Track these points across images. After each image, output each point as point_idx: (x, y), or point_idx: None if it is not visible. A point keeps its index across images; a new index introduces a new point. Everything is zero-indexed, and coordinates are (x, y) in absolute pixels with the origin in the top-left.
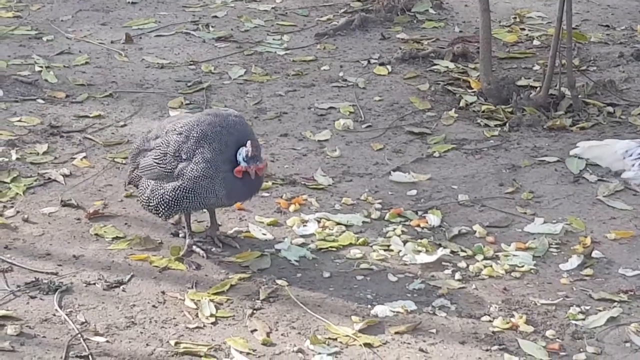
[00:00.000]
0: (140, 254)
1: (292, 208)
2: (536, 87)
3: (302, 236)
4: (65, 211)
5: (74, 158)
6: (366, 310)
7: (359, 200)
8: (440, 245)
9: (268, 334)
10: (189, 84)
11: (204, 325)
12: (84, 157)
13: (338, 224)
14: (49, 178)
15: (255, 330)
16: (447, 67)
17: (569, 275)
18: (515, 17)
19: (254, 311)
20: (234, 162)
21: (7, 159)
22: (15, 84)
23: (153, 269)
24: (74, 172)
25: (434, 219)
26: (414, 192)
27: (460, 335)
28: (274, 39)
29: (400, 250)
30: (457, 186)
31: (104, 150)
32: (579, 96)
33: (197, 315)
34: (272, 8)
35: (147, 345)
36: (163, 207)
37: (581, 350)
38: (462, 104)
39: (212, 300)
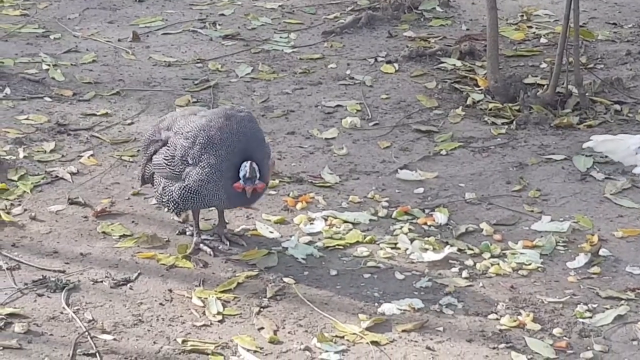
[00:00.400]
0: (147, 252)
1: (299, 206)
2: (543, 85)
3: (309, 234)
4: (72, 209)
5: (81, 156)
6: (373, 308)
7: (366, 198)
8: (447, 243)
9: (275, 332)
10: (196, 82)
11: (211, 323)
12: (91, 155)
13: (345, 222)
14: (56, 176)
15: (262, 328)
16: (454, 65)
17: (576, 273)
18: (523, 15)
19: (261, 309)
20: (238, 171)
21: (14, 157)
22: (23, 82)
23: (160, 267)
24: (81, 170)
25: (441, 217)
26: (421, 190)
27: (467, 333)
28: (281, 37)
29: (407, 248)
30: (464, 184)
31: (111, 148)
32: (586, 94)
33: (204, 313)
34: (279, 6)
35: (154, 343)
36: (172, 204)
37: (588, 348)
38: (469, 102)
39: (219, 298)
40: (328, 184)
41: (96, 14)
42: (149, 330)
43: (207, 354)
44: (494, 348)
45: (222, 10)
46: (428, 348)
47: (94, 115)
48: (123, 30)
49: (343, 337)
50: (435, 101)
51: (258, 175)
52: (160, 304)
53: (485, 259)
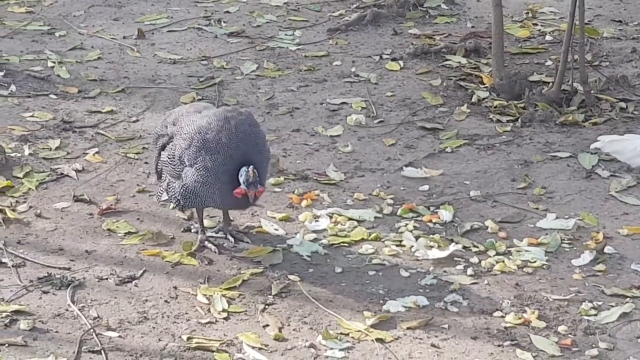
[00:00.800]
0: (152, 249)
1: (304, 203)
2: (548, 83)
3: (314, 231)
4: (77, 206)
5: (87, 153)
6: (378, 306)
7: (371, 196)
8: (452, 241)
9: (280, 329)
10: (201, 80)
11: (216, 321)
12: (97, 152)
13: (350, 219)
14: (62, 173)
15: (267, 325)
16: (459, 62)
17: (582, 270)
18: (528, 12)
19: (266, 306)
20: (235, 176)
21: (19, 155)
22: (28, 79)
23: (165, 264)
24: (87, 167)
25: (446, 214)
26: (426, 187)
27: (472, 330)
28: (286, 34)
29: (412, 246)
30: (469, 182)
31: (116, 145)
32: (592, 92)
33: (209, 311)
34: (284, 3)
35: (159, 340)
36: (175, 201)
37: (593, 346)
38: (474, 99)
39: (224, 296)
40: (333, 182)
41: (101, 11)
42: (154, 328)
43: (212, 351)
44: (499, 345)
45: (227, 7)
46: (433, 345)
47: (99, 112)
48: (128, 28)
49: (348, 334)
50: (440, 99)
51: (259, 178)
52: (166, 301)
53: (490, 257)
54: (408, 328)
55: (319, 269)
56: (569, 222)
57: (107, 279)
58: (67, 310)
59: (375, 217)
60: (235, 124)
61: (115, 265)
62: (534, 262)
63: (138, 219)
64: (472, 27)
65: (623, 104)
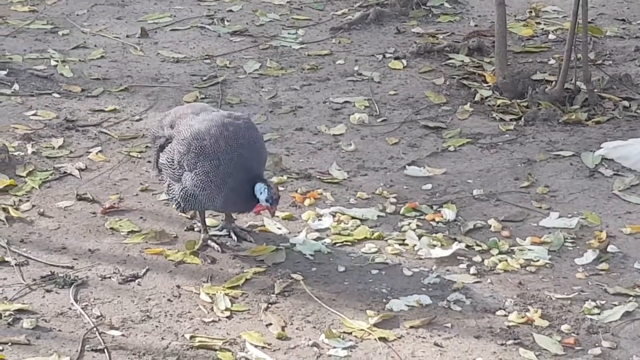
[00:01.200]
0: (155, 248)
1: (307, 202)
2: (552, 81)
3: (317, 230)
4: (80, 205)
5: (90, 152)
6: (381, 305)
7: (374, 195)
8: (455, 240)
9: (283, 328)
10: (204, 78)
11: (219, 319)
12: (100, 151)
13: (353, 218)
14: (65, 172)
15: (270, 324)
16: (462, 61)
17: (585, 269)
18: (531, 11)
19: (269, 305)
20: (238, 183)
21: (23, 153)
22: (31, 78)
23: (168, 263)
24: (90, 166)
25: (449, 213)
26: (429, 186)
27: (475, 329)
28: (289, 33)
29: (415, 245)
30: (472, 180)
31: (119, 144)
32: (595, 90)
33: (212, 309)
34: (287, 2)
35: (162, 339)
36: (176, 203)
37: (596, 344)
38: (477, 98)
39: (227, 294)
40: (336, 180)
41: (104, 10)
42: (157, 326)
43: (215, 350)
44: (502, 344)
45: (230, 6)
46: (436, 344)
47: (102, 111)
48: (131, 26)
49: (351, 333)
50: (443, 97)
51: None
52: (169, 300)
53: (493, 256)
54: (411, 327)
55: (322, 267)
56: (572, 221)
57: (110, 277)
58: (70, 309)
59: (378, 216)
60: (233, 130)
61: (118, 264)
62: (537, 261)
63: (141, 217)
64: (475, 25)
65: (626, 103)
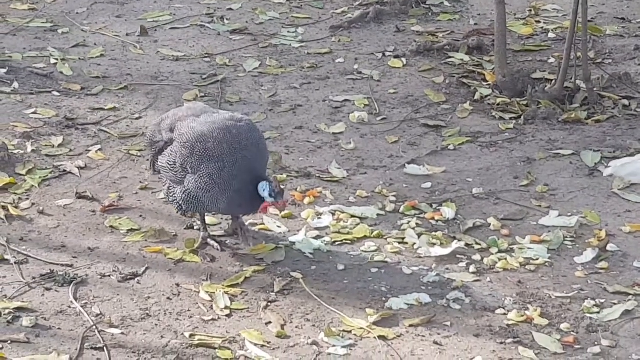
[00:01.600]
0: (155, 246)
1: (306, 200)
2: (551, 80)
3: (316, 229)
4: (80, 203)
5: (89, 150)
6: (380, 303)
7: (373, 193)
8: (454, 238)
9: (282, 327)
10: (203, 77)
11: (219, 318)
12: (99, 149)
13: (352, 216)
14: (64, 170)
15: (270, 322)
16: (462, 59)
17: (584, 268)
18: (531, 10)
19: (269, 303)
20: (249, 189)
21: (22, 151)
22: (31, 76)
23: (168, 261)
24: (89, 164)
25: (448, 211)
26: (428, 184)
27: (474, 328)
28: (288, 32)
29: (414, 243)
30: (472, 179)
31: (119, 142)
32: (595, 89)
33: (211, 308)
34: (287, 0)
35: (161, 337)
36: (176, 205)
37: (596, 343)
38: (477, 96)
39: (226, 293)
40: (336, 179)
41: (104, 8)
42: (156, 325)
43: (215, 349)
44: (501, 343)
45: (230, 4)
46: (435, 343)
47: (102, 109)
48: (131, 25)
49: (350, 331)
50: (443, 96)
51: (284, 188)
52: (168, 298)
53: (492, 254)
54: (410, 325)
55: (321, 266)
56: (571, 220)
57: (109, 276)
58: (69, 307)
59: (378, 215)
60: (236, 132)
61: (118, 262)
62: (537, 259)
63: (141, 216)
64: (475, 24)
65: (626, 102)
